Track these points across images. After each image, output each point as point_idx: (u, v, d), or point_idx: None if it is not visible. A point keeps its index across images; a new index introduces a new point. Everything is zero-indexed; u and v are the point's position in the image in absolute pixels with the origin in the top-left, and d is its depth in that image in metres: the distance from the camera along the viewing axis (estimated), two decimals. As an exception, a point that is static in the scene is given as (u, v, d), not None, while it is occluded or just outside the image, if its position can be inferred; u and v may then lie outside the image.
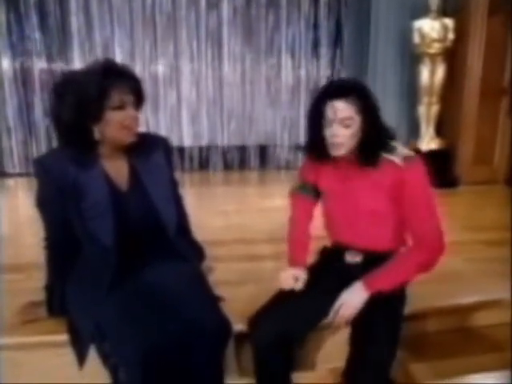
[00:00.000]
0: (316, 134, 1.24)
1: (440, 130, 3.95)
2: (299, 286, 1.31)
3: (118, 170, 1.28)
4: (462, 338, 1.65)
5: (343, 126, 1.17)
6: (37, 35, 4.15)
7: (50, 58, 4.23)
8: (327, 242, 1.47)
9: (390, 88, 4.01)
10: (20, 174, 4.30)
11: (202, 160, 4.79)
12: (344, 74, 4.75)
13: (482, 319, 1.71)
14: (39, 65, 4.22)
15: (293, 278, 1.32)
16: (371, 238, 1.31)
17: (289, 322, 1.25)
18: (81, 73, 1.20)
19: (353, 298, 1.21)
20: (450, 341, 1.62)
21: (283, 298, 1.31)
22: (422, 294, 1.49)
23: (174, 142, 4.33)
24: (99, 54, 4.21)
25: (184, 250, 1.39)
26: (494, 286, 1.80)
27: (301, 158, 4.83)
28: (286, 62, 4.73)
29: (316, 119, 1.22)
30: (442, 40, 3.69)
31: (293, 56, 4.72)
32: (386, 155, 1.22)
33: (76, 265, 1.31)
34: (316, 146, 1.26)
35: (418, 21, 3.71)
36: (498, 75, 3.83)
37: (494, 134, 3.93)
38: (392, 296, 1.22)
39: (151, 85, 4.40)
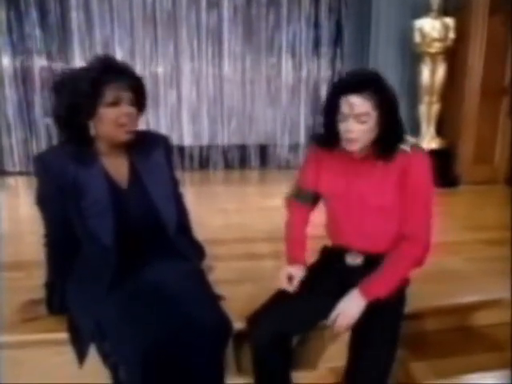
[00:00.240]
0: (331, 128, 1.21)
1: (440, 129, 3.95)
2: (294, 285, 1.30)
3: (117, 168, 1.28)
4: (462, 337, 1.64)
5: (359, 121, 1.13)
6: (37, 33, 4.15)
7: (50, 56, 4.23)
8: (326, 242, 1.46)
9: (391, 87, 4.01)
10: (20, 173, 4.30)
11: (203, 159, 4.79)
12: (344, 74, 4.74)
13: (482, 318, 1.71)
14: (39, 63, 4.23)
15: (287, 277, 1.31)
16: (375, 237, 1.29)
17: (287, 321, 1.24)
18: (78, 69, 1.21)
19: (350, 307, 1.19)
20: (450, 340, 1.62)
21: (283, 297, 1.31)
22: (422, 294, 1.49)
23: (175, 141, 4.33)
24: (99, 53, 4.21)
25: (184, 248, 1.39)
26: (495, 286, 1.80)
27: (301, 158, 4.84)
28: (287, 61, 4.72)
29: (331, 113, 1.19)
30: (443, 39, 3.69)
31: (293, 55, 4.72)
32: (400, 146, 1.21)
33: (76, 263, 1.31)
34: (329, 140, 1.24)
35: (418, 20, 3.71)
36: (498, 75, 3.83)
37: (495, 134, 3.94)
38: (391, 299, 1.21)
39: (151, 84, 4.40)
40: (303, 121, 4.88)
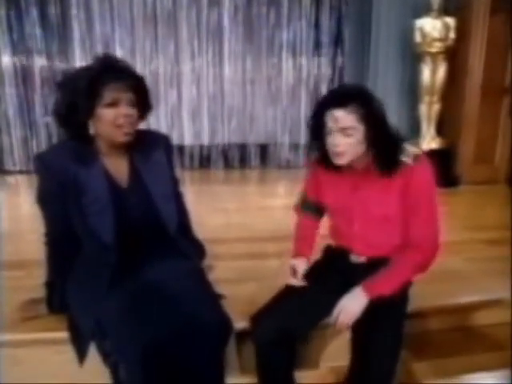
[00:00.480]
0: (318, 143, 1.23)
1: (441, 129, 3.95)
2: (298, 279, 1.32)
3: (118, 167, 1.28)
4: (463, 337, 1.64)
5: (345, 134, 1.14)
6: (37, 32, 4.15)
7: (50, 56, 4.23)
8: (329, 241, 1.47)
9: (391, 87, 4.01)
10: (20, 172, 4.30)
11: (203, 158, 4.80)
12: (345, 73, 4.75)
13: (483, 318, 1.71)
14: (40, 62, 4.23)
15: (291, 270, 1.34)
16: (379, 245, 1.29)
17: (290, 319, 1.24)
18: (80, 69, 1.21)
19: (352, 304, 1.20)
20: (451, 340, 1.62)
21: (285, 295, 1.31)
22: (423, 294, 1.49)
23: (175, 140, 4.33)
24: (100, 52, 4.20)
25: (184, 247, 1.39)
26: (495, 286, 1.80)
27: (301, 157, 4.85)
28: (287, 60, 4.73)
29: (317, 128, 1.21)
30: (444, 39, 3.68)
31: (294, 55, 4.73)
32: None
33: (76, 262, 1.31)
34: (324, 159, 1.25)
35: (419, 20, 3.71)
36: (499, 75, 3.83)
37: (495, 134, 3.93)
38: (394, 299, 1.21)
39: (152, 83, 4.40)
40: (303, 120, 4.88)
